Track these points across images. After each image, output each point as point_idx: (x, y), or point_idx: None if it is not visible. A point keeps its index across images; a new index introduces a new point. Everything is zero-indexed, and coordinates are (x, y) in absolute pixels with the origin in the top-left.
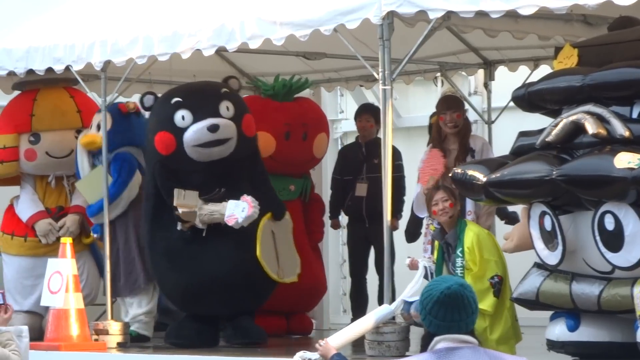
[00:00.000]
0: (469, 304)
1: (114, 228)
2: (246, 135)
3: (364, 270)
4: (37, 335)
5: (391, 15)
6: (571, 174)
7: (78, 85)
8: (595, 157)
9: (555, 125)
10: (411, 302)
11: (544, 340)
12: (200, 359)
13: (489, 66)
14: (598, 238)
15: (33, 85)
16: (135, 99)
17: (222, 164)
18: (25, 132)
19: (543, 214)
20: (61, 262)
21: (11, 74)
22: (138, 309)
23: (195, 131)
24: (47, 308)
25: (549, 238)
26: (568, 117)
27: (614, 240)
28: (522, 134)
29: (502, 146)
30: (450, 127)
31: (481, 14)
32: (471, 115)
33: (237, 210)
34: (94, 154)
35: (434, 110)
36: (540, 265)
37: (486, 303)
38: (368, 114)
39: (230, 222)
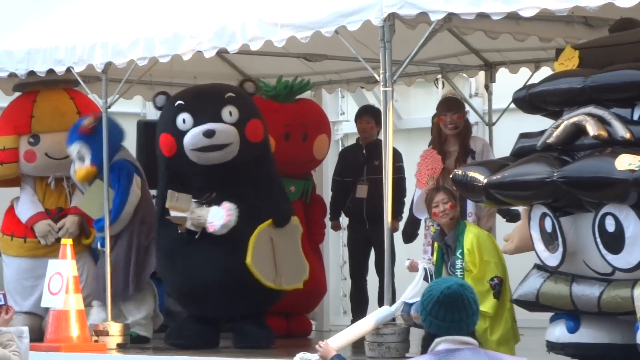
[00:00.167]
0: (469, 305)
1: (119, 235)
2: (250, 140)
3: (364, 271)
4: (37, 336)
5: (392, 17)
6: (572, 176)
7: (79, 86)
8: (596, 159)
9: (556, 127)
10: (411, 304)
11: (544, 341)
12: None
13: (490, 68)
14: (598, 240)
15: (33, 87)
16: (136, 100)
17: (225, 168)
18: (24, 133)
19: (544, 215)
20: (61, 263)
21: (12, 75)
22: (137, 314)
23: (192, 135)
24: (47, 309)
25: (549, 239)
26: (569, 119)
27: (615, 242)
28: (523, 136)
29: (502, 148)
30: (451, 129)
31: (482, 16)
32: (472, 117)
33: (217, 217)
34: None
35: (435, 112)
36: (541, 267)
37: (486, 305)
38: (369, 116)
39: (210, 229)
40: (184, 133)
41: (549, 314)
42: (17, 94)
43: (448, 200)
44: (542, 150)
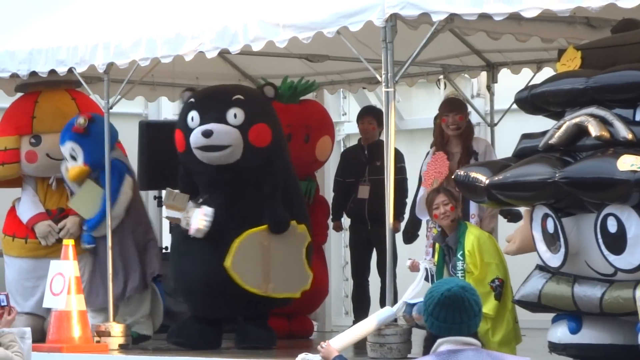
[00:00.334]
0: (471, 306)
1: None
2: (254, 144)
3: (366, 272)
4: (38, 337)
5: (394, 17)
6: (574, 177)
7: (81, 87)
8: (598, 159)
9: (558, 128)
10: (413, 305)
11: (546, 342)
12: None
13: (492, 68)
14: (600, 240)
15: (35, 88)
16: (138, 100)
17: (230, 170)
18: (26, 134)
19: (546, 216)
20: (63, 263)
21: (14, 75)
22: (135, 314)
23: (194, 134)
24: (48, 310)
25: (551, 240)
26: (571, 120)
27: (617, 242)
28: (525, 137)
29: (504, 148)
30: (453, 130)
31: (484, 17)
32: (474, 118)
33: (195, 220)
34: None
35: (437, 112)
36: (543, 268)
37: (488, 306)
38: (370, 117)
39: (190, 231)
40: (191, 130)
41: (551, 315)
42: (19, 94)
43: (448, 201)
44: (544, 151)
